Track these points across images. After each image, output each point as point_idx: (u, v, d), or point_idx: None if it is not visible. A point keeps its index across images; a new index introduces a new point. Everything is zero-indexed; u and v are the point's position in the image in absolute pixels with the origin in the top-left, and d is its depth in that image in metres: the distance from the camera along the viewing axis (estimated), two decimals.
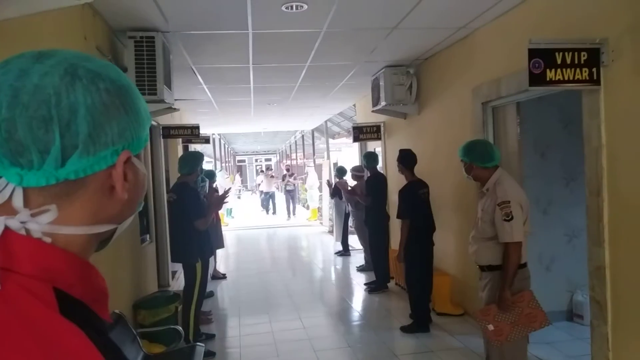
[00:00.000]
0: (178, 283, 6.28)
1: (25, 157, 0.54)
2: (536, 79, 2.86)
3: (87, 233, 0.59)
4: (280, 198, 17.63)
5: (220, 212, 6.66)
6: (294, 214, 15.49)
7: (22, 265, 0.53)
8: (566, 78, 2.85)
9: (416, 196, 4.63)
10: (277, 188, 17.81)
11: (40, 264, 0.54)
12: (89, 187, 0.58)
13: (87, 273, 0.59)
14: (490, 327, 2.85)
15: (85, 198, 0.58)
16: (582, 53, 2.84)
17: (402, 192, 4.73)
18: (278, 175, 19.55)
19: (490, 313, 2.87)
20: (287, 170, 17.09)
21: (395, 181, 5.71)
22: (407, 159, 4.75)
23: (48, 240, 0.56)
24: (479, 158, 2.99)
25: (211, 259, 6.15)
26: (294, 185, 16.01)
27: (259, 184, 18.78)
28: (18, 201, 0.55)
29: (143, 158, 0.67)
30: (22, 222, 0.55)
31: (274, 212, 16.76)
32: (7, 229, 0.54)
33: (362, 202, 6.26)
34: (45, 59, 0.56)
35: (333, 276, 7.73)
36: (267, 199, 17.18)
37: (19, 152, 0.53)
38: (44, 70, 0.55)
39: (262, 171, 19.45)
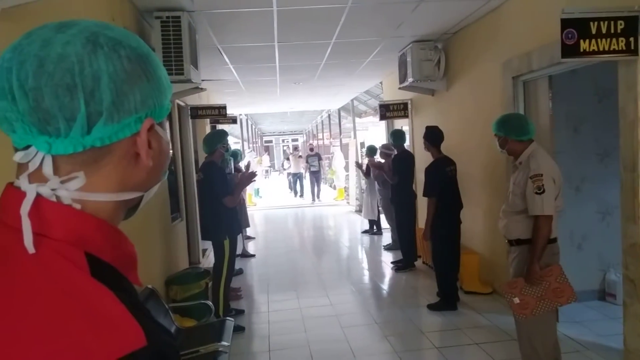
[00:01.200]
0: (208, 260, 6.43)
1: (53, 125, 0.55)
2: (569, 51, 2.76)
3: (115, 200, 0.61)
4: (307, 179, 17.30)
5: (248, 191, 6.74)
6: (318, 197, 14.57)
7: (55, 231, 0.55)
8: (601, 49, 2.75)
9: (443, 174, 4.58)
10: (305, 169, 17.43)
11: (72, 229, 0.56)
12: (114, 155, 0.60)
13: (116, 238, 0.61)
14: (516, 300, 2.83)
15: (112, 165, 0.60)
16: (619, 22, 2.73)
17: (429, 170, 4.68)
18: (305, 155, 19.26)
19: (517, 286, 2.85)
20: (311, 150, 16.10)
21: (423, 159, 5.64)
22: (433, 136, 4.68)
23: (78, 206, 0.58)
24: (514, 131, 2.93)
25: (240, 238, 6.25)
26: (318, 166, 14.90)
27: (287, 168, 17.65)
28: (48, 169, 0.56)
29: (167, 127, 0.68)
30: (52, 190, 0.57)
31: (301, 195, 15.81)
32: (39, 196, 0.56)
33: (389, 180, 6.22)
34: (66, 29, 0.57)
35: (360, 255, 7.77)
36: (295, 181, 16.14)
37: (46, 120, 0.55)
38: (66, 39, 0.55)
39: (291, 153, 17.84)
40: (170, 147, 5.55)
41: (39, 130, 0.56)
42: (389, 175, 6.22)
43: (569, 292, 2.81)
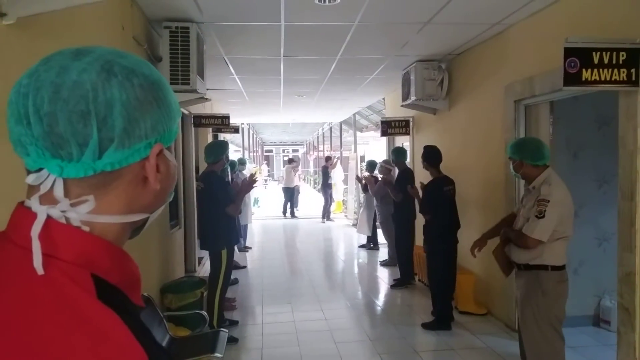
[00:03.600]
0: (204, 269, 6.41)
1: (66, 149, 0.57)
2: (571, 79, 2.80)
3: (122, 222, 0.63)
4: (310, 195, 15.44)
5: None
6: (328, 217, 12.64)
7: (63, 252, 0.57)
8: (603, 78, 2.78)
9: (440, 193, 4.60)
10: (303, 179, 16.43)
11: (80, 251, 0.58)
12: (123, 179, 0.61)
13: (122, 260, 0.63)
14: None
15: (121, 189, 0.62)
16: (621, 53, 2.77)
17: (427, 187, 4.71)
18: (304, 168, 18.01)
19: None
20: (327, 160, 13.66)
21: (422, 177, 5.66)
22: (431, 157, 4.71)
23: (86, 228, 0.59)
24: (529, 156, 2.92)
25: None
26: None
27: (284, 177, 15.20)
28: (59, 191, 0.58)
29: (174, 150, 0.70)
30: (62, 211, 0.58)
31: (292, 214, 13.53)
32: (49, 217, 0.57)
33: (394, 198, 6.17)
34: (82, 56, 0.59)
35: (356, 269, 7.75)
36: (289, 196, 13.55)
37: (59, 144, 0.57)
38: (82, 67, 0.57)
39: (289, 161, 14.56)
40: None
41: (51, 154, 0.57)
42: (393, 192, 6.19)
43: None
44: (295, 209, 13.77)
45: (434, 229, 4.63)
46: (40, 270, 0.54)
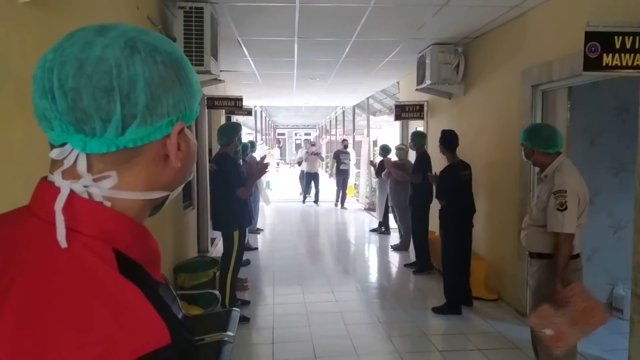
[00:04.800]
0: (216, 250, 6.49)
1: (89, 124, 0.57)
2: (591, 64, 2.74)
3: (143, 198, 0.63)
4: (326, 181, 14.88)
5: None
6: (342, 204, 12.15)
7: (86, 226, 0.58)
8: (624, 64, 2.72)
9: (457, 178, 4.57)
10: (323, 165, 15.85)
11: (102, 226, 0.59)
12: (145, 155, 0.62)
13: (142, 236, 0.64)
14: (548, 332, 2.57)
15: (142, 166, 0.62)
16: None
17: (443, 173, 4.68)
18: (320, 150, 17.51)
19: (545, 315, 2.64)
20: (344, 145, 12.86)
21: (438, 161, 5.63)
22: (448, 141, 4.66)
23: (108, 204, 0.60)
24: (541, 143, 2.83)
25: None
26: (348, 165, 12.25)
27: (300, 162, 14.21)
28: (82, 166, 0.59)
29: (194, 129, 0.70)
30: (85, 186, 0.59)
31: (316, 201, 12.73)
32: (71, 192, 0.58)
33: (413, 180, 6.08)
34: (106, 32, 0.59)
35: (367, 253, 7.78)
36: (309, 182, 12.82)
37: (83, 120, 0.57)
38: (106, 43, 0.58)
39: (307, 150, 13.53)
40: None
41: (75, 129, 0.58)
42: (411, 175, 6.10)
43: (599, 310, 2.60)
44: (308, 195, 13.01)
45: (450, 213, 4.61)
46: (63, 243, 0.55)
